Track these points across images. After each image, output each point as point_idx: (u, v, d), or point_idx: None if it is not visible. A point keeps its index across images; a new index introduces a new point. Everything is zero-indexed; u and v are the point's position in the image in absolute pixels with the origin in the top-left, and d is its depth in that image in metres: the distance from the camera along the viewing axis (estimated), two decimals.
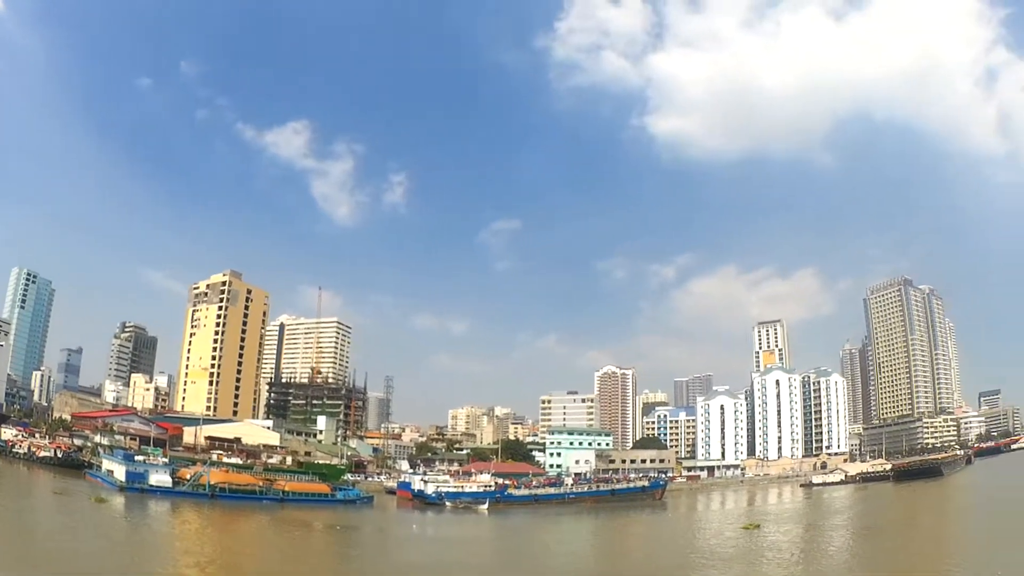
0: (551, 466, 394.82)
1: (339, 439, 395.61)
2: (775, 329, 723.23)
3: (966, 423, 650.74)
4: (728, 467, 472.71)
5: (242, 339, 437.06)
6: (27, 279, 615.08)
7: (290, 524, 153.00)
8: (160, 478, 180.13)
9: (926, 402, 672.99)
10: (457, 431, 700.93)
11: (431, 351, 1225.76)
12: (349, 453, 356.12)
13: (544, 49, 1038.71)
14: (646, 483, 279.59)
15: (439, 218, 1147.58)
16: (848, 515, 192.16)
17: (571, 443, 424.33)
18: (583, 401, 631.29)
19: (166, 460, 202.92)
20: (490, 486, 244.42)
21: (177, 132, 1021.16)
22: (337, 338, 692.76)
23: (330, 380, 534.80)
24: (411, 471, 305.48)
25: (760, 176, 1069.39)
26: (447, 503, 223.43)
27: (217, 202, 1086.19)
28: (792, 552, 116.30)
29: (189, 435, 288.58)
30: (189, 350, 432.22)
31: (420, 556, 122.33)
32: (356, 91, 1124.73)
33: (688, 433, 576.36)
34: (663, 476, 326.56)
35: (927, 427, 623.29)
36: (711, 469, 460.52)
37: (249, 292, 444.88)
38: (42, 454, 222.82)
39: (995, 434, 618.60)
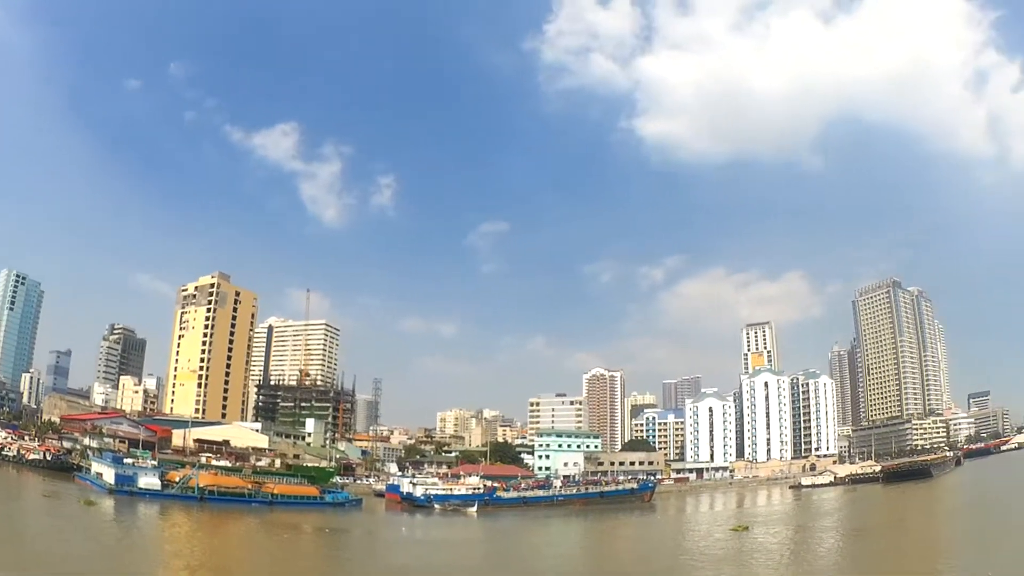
0: (540, 468, 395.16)
1: (328, 442, 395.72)
2: (764, 331, 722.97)
3: (955, 425, 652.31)
4: (717, 469, 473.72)
5: (230, 341, 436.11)
6: (16, 281, 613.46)
7: (279, 527, 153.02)
8: (149, 481, 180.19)
9: (915, 404, 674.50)
10: (445, 433, 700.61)
11: (419, 353, 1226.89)
12: (338, 456, 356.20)
13: (532, 51, 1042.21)
14: (635, 485, 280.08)
15: (427, 221, 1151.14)
16: (837, 517, 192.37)
17: (560, 445, 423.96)
18: (571, 403, 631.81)
19: (155, 463, 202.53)
20: (479, 488, 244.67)
21: (165, 133, 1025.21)
22: (325, 340, 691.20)
23: (318, 383, 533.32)
24: (400, 474, 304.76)
25: (749, 178, 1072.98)
26: (436, 506, 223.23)
27: (205, 204, 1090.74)
28: (782, 554, 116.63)
29: (178, 438, 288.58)
30: (177, 352, 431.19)
31: (409, 559, 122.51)
32: (344, 93, 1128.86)
33: (677, 435, 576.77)
34: (652, 478, 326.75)
35: (916, 429, 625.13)
36: (700, 471, 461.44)
37: (237, 294, 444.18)
38: (31, 457, 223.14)
39: (985, 435, 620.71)
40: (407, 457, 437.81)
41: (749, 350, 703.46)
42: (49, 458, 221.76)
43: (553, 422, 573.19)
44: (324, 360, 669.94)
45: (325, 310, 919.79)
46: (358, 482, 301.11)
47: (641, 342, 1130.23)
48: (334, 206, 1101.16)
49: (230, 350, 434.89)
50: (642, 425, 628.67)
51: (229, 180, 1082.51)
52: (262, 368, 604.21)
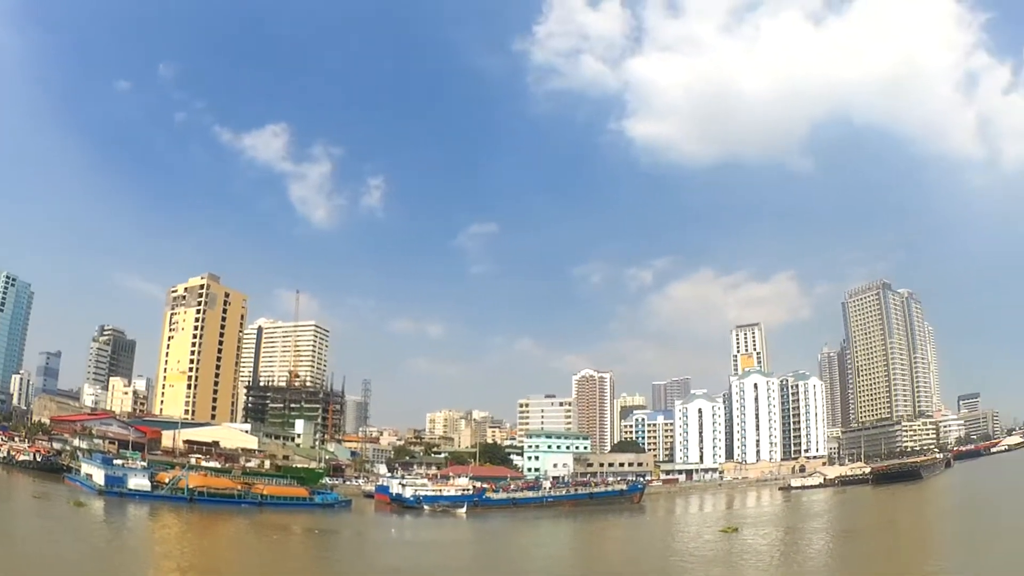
0: (529, 470, 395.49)
1: (317, 443, 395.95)
2: (753, 333, 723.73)
3: (945, 426, 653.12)
4: (706, 471, 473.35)
5: (220, 342, 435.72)
6: (6, 281, 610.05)
7: (268, 528, 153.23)
8: (139, 482, 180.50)
9: (905, 405, 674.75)
10: (435, 435, 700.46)
11: (409, 354, 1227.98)
12: (327, 457, 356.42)
13: (522, 53, 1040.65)
14: (624, 487, 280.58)
15: (416, 222, 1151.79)
16: (827, 518, 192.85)
17: (549, 447, 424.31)
18: (561, 405, 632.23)
19: (144, 464, 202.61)
20: (468, 490, 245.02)
21: (155, 134, 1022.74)
22: (315, 342, 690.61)
23: (308, 384, 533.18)
24: (389, 475, 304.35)
25: (738, 180, 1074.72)
26: (425, 507, 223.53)
27: (195, 205, 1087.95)
28: (771, 555, 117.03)
29: (167, 439, 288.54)
30: (167, 353, 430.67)
31: (398, 560, 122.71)
32: (334, 94, 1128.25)
33: (666, 437, 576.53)
34: (641, 480, 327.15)
35: (906, 430, 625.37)
36: (689, 473, 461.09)
37: (227, 295, 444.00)
38: (21, 458, 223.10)
39: (975, 437, 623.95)
40: (396, 458, 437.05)
41: (738, 351, 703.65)
42: (39, 459, 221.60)
43: (542, 423, 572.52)
44: (313, 361, 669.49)
45: (314, 311, 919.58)
46: (347, 483, 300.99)
47: (630, 343, 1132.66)
48: (324, 207, 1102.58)
49: (219, 351, 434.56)
50: (631, 426, 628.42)
51: (219, 181, 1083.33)
52: (251, 369, 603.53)
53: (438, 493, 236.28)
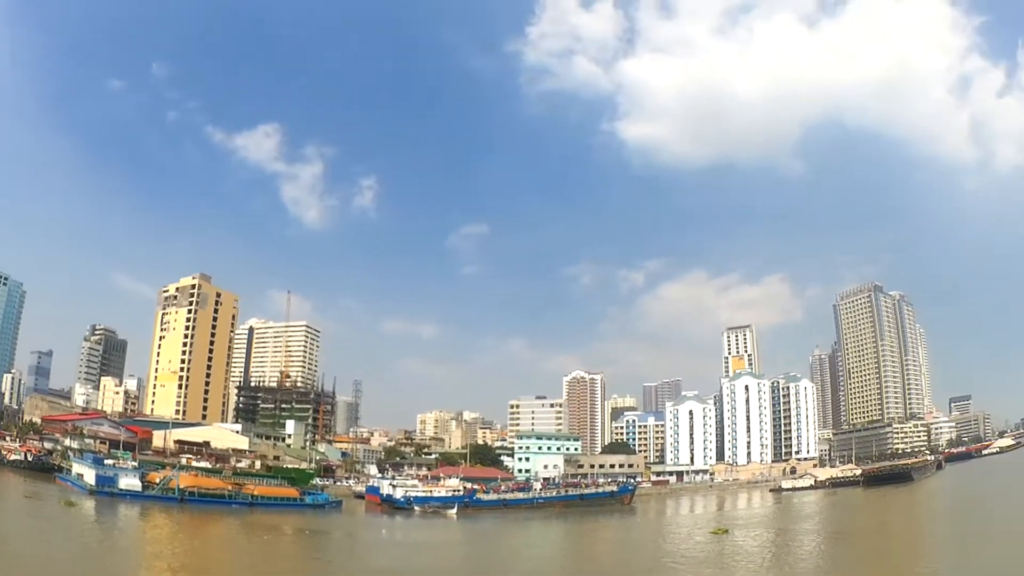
0: (520, 471, 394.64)
1: (308, 443, 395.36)
2: (744, 334, 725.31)
3: (936, 429, 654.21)
4: (697, 472, 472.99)
5: (211, 343, 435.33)
6: None
7: (259, 528, 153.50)
8: (130, 482, 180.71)
9: (896, 408, 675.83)
10: (426, 435, 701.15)
11: (400, 355, 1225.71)
12: (318, 457, 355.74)
13: (515, 54, 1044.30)
14: (615, 488, 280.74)
15: (408, 222, 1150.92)
16: (818, 520, 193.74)
17: (540, 448, 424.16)
18: (552, 406, 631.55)
19: (135, 464, 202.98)
20: (459, 491, 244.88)
21: (148, 134, 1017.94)
22: (306, 342, 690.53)
23: (299, 384, 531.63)
24: (380, 475, 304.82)
25: (730, 182, 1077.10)
26: (416, 507, 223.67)
27: (187, 205, 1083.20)
28: (762, 556, 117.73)
29: (158, 439, 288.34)
30: (158, 353, 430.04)
31: (389, 561, 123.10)
32: (327, 95, 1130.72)
33: (657, 438, 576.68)
34: (632, 481, 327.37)
35: (897, 432, 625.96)
36: (680, 474, 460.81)
37: (218, 296, 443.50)
38: (12, 457, 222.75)
39: (966, 439, 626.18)
40: (387, 459, 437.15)
41: (730, 353, 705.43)
42: (30, 459, 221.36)
43: (533, 424, 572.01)
44: (304, 362, 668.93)
45: (306, 312, 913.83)
46: (338, 484, 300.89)
47: (622, 345, 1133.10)
48: (316, 207, 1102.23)
49: (211, 351, 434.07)
50: (622, 428, 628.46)
51: (211, 181, 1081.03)
52: (242, 369, 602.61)
53: (429, 494, 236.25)
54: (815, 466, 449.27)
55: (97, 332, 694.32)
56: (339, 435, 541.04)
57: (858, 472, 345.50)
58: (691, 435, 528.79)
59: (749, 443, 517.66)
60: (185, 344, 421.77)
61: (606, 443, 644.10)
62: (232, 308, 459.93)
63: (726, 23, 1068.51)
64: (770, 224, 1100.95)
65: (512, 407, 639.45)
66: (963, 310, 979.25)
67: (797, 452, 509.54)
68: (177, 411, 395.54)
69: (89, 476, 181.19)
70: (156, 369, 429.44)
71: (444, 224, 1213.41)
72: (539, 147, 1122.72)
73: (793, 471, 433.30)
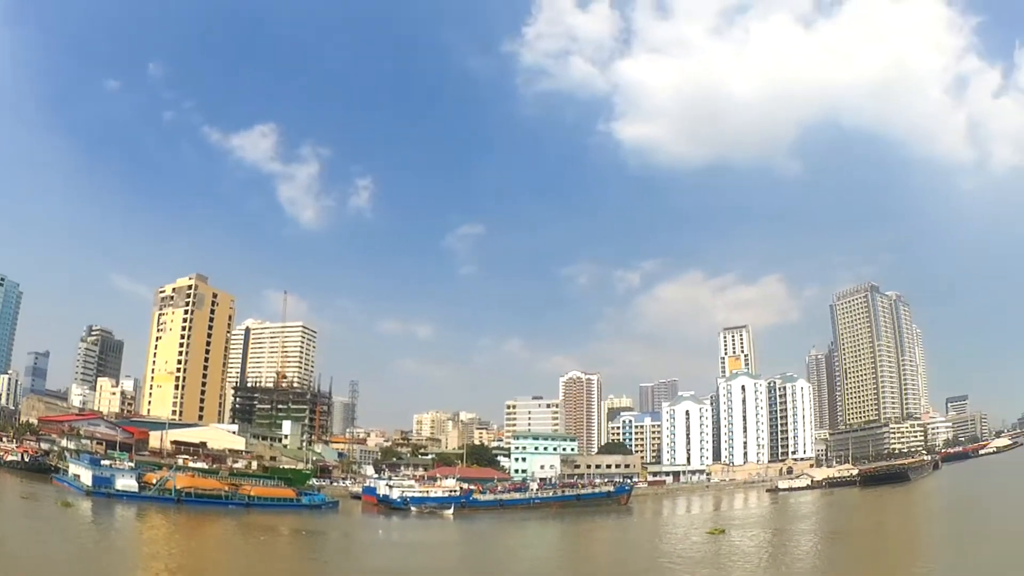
0: (516, 471, 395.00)
1: (304, 444, 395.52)
2: (741, 335, 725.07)
3: (933, 429, 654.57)
4: (694, 472, 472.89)
5: (208, 343, 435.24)
6: None
7: (256, 529, 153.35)
8: (126, 482, 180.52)
9: (893, 408, 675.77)
10: (422, 436, 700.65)
11: (396, 356, 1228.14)
12: (314, 458, 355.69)
13: (511, 54, 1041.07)
14: (611, 488, 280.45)
15: (404, 223, 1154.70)
16: (815, 520, 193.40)
17: (536, 448, 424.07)
18: (548, 406, 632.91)
19: (132, 464, 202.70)
20: (455, 491, 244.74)
21: (144, 134, 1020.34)
22: (302, 342, 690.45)
23: (295, 385, 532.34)
24: (376, 476, 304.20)
25: (727, 182, 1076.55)
26: (412, 508, 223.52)
27: (183, 205, 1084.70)
28: (759, 557, 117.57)
29: (155, 439, 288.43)
30: (155, 354, 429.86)
31: (386, 561, 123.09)
32: (323, 95, 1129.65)
33: (653, 438, 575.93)
34: (628, 481, 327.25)
35: (894, 433, 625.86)
36: (676, 474, 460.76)
37: (215, 296, 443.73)
38: (9, 458, 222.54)
39: (963, 439, 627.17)
40: (384, 459, 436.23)
41: (726, 354, 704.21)
42: (27, 459, 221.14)
43: (530, 425, 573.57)
44: (301, 362, 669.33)
45: (302, 312, 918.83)
46: (335, 484, 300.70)
47: (618, 345, 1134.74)
48: (312, 208, 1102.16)
49: (207, 352, 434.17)
50: (619, 428, 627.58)
51: (207, 181, 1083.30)
52: (239, 370, 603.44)
53: (425, 494, 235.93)
54: (812, 466, 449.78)
55: (94, 333, 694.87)
56: (335, 436, 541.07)
57: (855, 472, 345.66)
58: (687, 435, 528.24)
59: (746, 443, 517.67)
60: (182, 345, 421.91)
61: (602, 443, 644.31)
62: (228, 308, 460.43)
63: (722, 23, 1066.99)
64: (767, 224, 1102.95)
65: (508, 407, 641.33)
66: (960, 310, 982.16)
67: (794, 452, 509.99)
68: (174, 412, 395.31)
69: (86, 477, 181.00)
70: (152, 370, 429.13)
71: (440, 224, 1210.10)
72: (535, 148, 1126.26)
73: (790, 471, 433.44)
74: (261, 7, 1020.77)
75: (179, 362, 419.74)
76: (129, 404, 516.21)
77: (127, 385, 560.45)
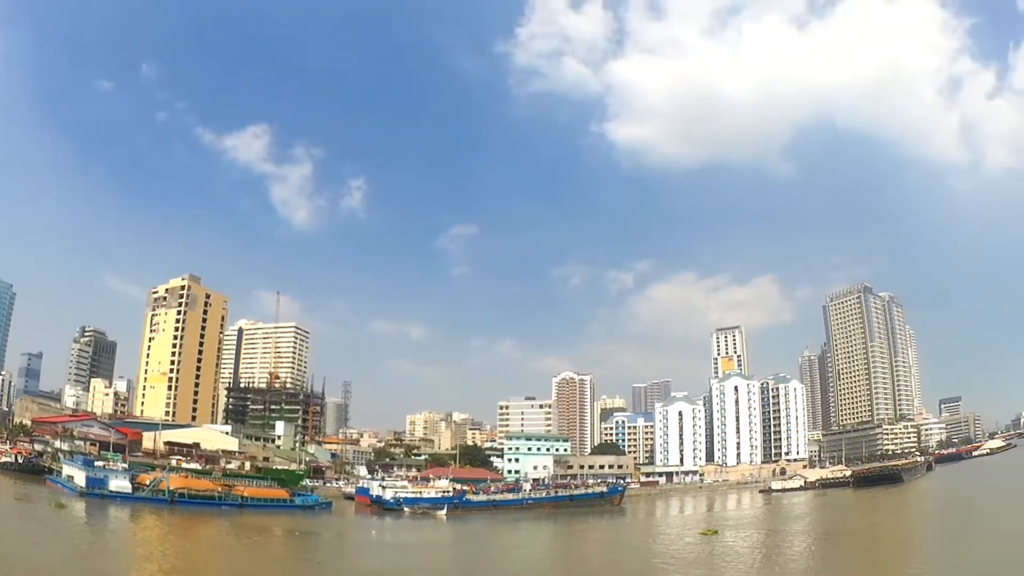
0: (509, 472, 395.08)
1: (297, 444, 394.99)
2: (734, 335, 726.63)
3: (927, 430, 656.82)
4: (687, 473, 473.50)
5: (200, 344, 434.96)
6: None
7: (249, 530, 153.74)
8: (120, 483, 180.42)
9: (886, 409, 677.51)
10: (415, 436, 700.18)
11: (389, 356, 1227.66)
12: (307, 458, 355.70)
13: (504, 55, 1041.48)
14: (604, 489, 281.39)
15: (397, 223, 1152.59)
16: (808, 521, 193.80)
17: (529, 449, 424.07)
18: (541, 407, 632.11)
19: (125, 466, 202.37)
20: (448, 492, 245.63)
21: (137, 135, 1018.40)
22: (295, 343, 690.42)
23: (288, 385, 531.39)
24: (369, 477, 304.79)
25: (720, 183, 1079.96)
26: (405, 509, 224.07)
27: (176, 206, 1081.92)
28: (752, 558, 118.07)
29: (148, 440, 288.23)
30: (148, 355, 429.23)
31: (379, 562, 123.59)
32: (316, 95, 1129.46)
33: (646, 439, 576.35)
34: (621, 482, 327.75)
35: (887, 434, 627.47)
36: (669, 475, 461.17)
37: (208, 297, 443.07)
38: (3, 459, 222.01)
39: (956, 441, 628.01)
40: (377, 460, 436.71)
41: (719, 354, 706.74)
42: (20, 461, 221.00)
43: (522, 425, 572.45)
44: (294, 363, 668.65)
45: (295, 313, 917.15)
46: (327, 485, 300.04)
47: (611, 346, 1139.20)
48: (305, 208, 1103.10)
49: (200, 352, 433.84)
50: (611, 429, 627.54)
51: (200, 182, 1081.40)
52: (232, 371, 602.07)
53: (418, 495, 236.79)
54: (805, 467, 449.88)
55: (87, 333, 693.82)
56: (328, 436, 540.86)
57: (848, 473, 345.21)
58: (680, 436, 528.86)
59: (739, 444, 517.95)
60: (175, 345, 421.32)
61: (595, 444, 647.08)
62: (221, 309, 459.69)
63: (715, 25, 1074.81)
64: (760, 225, 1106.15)
65: (501, 408, 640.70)
66: (953, 311, 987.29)
67: (787, 453, 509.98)
68: (167, 412, 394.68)
69: (79, 478, 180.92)
70: (146, 370, 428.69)
71: (433, 225, 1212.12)
72: (528, 148, 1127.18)
73: (783, 472, 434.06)
74: (254, 8, 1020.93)
75: (172, 363, 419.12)
76: (122, 405, 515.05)
77: (120, 386, 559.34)
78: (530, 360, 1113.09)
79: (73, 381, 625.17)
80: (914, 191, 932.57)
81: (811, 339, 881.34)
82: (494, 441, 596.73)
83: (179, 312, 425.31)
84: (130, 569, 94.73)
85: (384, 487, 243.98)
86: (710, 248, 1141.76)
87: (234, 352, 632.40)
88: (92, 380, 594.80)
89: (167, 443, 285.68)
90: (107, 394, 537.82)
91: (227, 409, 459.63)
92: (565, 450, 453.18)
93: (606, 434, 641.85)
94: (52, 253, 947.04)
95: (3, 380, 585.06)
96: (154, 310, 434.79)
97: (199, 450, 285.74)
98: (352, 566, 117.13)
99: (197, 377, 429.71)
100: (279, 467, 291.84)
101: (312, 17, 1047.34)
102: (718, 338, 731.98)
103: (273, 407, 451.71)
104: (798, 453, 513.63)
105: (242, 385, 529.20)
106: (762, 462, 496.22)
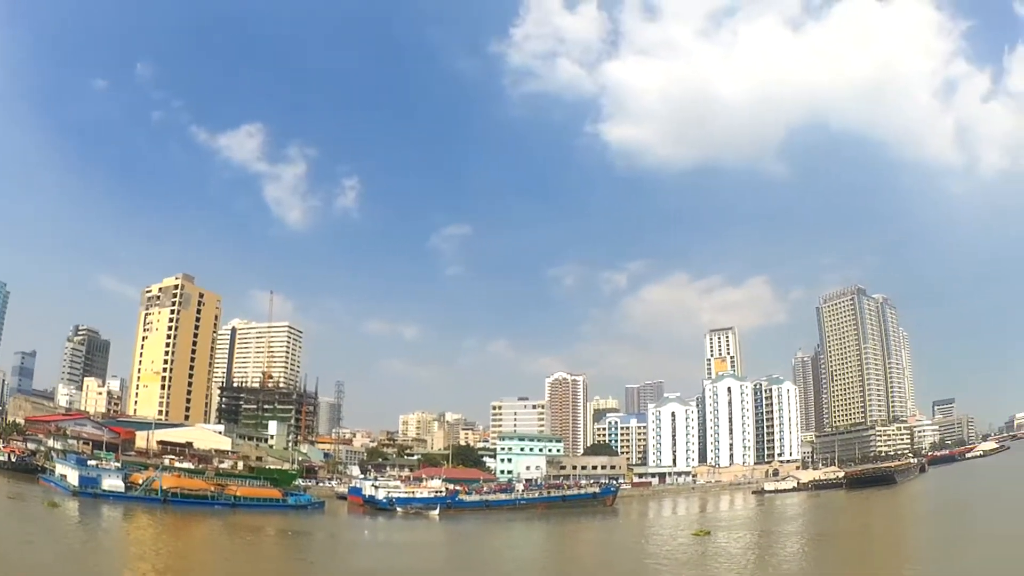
0: (502, 472, 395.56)
1: (290, 444, 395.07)
2: (727, 336, 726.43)
3: (920, 431, 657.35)
4: (679, 474, 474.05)
5: (194, 343, 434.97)
6: None
7: (242, 529, 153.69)
8: (113, 483, 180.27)
9: (879, 410, 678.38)
10: (408, 436, 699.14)
11: (382, 356, 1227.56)
12: (300, 458, 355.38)
13: (499, 55, 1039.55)
14: (597, 489, 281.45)
15: (391, 223, 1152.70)
16: (801, 522, 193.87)
17: (522, 449, 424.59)
18: (534, 407, 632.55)
19: (118, 465, 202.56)
20: (441, 492, 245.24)
21: (132, 134, 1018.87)
22: (288, 343, 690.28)
23: (281, 385, 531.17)
24: (362, 476, 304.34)
25: (714, 184, 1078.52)
26: (398, 509, 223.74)
27: (170, 205, 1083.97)
28: (746, 559, 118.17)
29: (141, 439, 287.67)
30: (141, 354, 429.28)
31: (371, 562, 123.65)
32: (309, 95, 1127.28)
33: (639, 440, 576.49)
34: (614, 483, 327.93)
35: (880, 435, 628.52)
36: (662, 476, 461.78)
37: (201, 296, 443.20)
38: None
39: (949, 443, 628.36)
40: (369, 460, 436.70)
41: (712, 355, 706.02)
42: (14, 460, 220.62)
43: (515, 426, 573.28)
44: (287, 362, 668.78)
45: (288, 312, 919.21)
46: (320, 485, 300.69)
47: (604, 346, 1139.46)
48: (298, 208, 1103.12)
49: (193, 352, 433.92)
50: (604, 429, 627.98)
51: (194, 181, 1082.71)
52: (225, 370, 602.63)
53: (411, 495, 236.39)
54: (798, 468, 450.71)
55: (80, 332, 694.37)
56: (321, 436, 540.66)
57: (841, 474, 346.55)
58: (673, 437, 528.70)
59: (732, 445, 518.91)
60: (168, 344, 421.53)
61: (588, 445, 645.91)
62: (215, 308, 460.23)
63: (710, 26, 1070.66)
64: (753, 226, 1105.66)
65: (494, 408, 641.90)
66: (947, 313, 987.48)
67: (780, 454, 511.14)
68: (160, 412, 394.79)
69: (72, 477, 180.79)
70: (139, 369, 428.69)
71: (427, 225, 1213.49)
72: (522, 149, 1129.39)
73: (776, 473, 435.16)
74: (248, 7, 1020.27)
75: (165, 362, 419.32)
76: (115, 404, 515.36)
77: (113, 385, 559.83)
78: (523, 360, 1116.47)
79: (66, 380, 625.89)
80: (908, 193, 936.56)
81: (804, 340, 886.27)
82: (487, 441, 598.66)
83: (172, 311, 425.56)
84: (123, 568, 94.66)
85: (377, 487, 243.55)
86: (704, 249, 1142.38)
87: (227, 351, 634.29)
88: (85, 379, 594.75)
89: (160, 442, 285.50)
90: (100, 393, 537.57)
91: (220, 408, 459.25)
92: (558, 450, 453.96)
93: (599, 435, 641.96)
94: (46, 252, 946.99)
95: None
96: (147, 309, 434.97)
97: (192, 449, 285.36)
98: (345, 566, 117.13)
99: (190, 376, 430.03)
100: (272, 467, 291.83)
101: (306, 17, 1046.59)
102: (711, 339, 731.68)
103: (266, 407, 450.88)
104: (791, 454, 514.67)
105: (235, 384, 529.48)
106: (755, 463, 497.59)
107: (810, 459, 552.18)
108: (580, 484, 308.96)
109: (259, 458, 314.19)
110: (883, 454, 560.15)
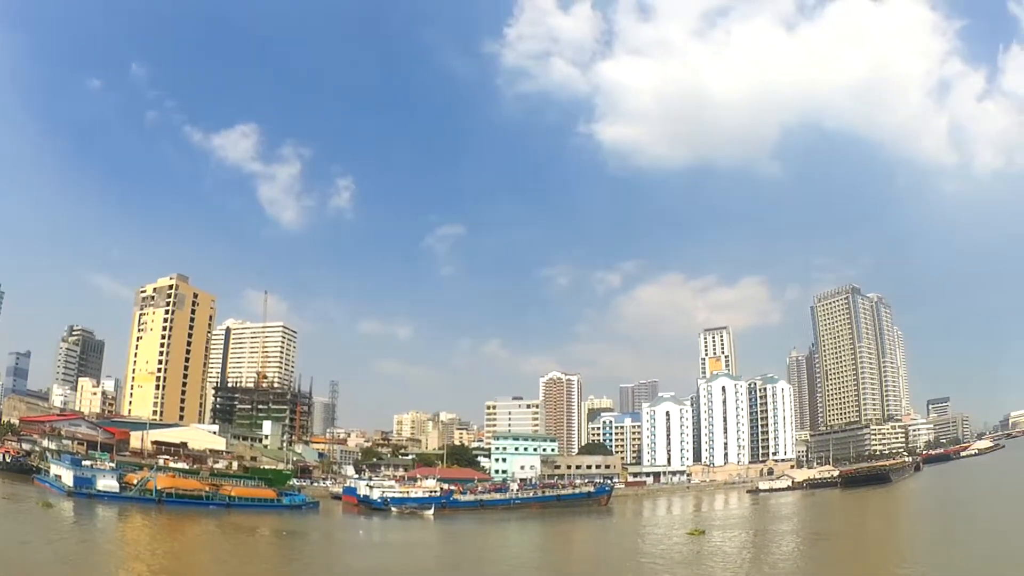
0: (496, 472, 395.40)
1: (285, 444, 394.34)
2: (721, 336, 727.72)
3: (914, 430, 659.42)
4: (674, 473, 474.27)
5: (188, 343, 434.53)
6: None
7: (237, 529, 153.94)
8: (107, 483, 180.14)
9: (874, 409, 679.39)
10: (402, 436, 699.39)
11: (376, 356, 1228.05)
12: (295, 458, 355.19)
13: (492, 55, 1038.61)
14: (591, 489, 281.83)
15: (385, 223, 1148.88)
16: (796, 521, 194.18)
17: (516, 449, 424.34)
18: (528, 407, 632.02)
19: (113, 465, 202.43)
20: (435, 491, 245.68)
21: (126, 134, 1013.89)
22: (283, 343, 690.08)
23: (276, 385, 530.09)
24: (357, 476, 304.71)
25: (707, 184, 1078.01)
26: (393, 508, 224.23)
27: (165, 205, 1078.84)
28: (741, 557, 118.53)
29: (136, 440, 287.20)
30: (136, 354, 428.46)
31: (366, 561, 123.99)
32: (303, 95, 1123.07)
33: (634, 439, 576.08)
34: (608, 482, 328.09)
35: (875, 434, 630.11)
36: (657, 475, 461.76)
37: (195, 296, 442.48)
38: None
39: (944, 441, 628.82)
40: (364, 460, 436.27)
41: (707, 355, 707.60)
42: (8, 460, 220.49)
43: (510, 425, 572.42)
44: (281, 362, 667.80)
45: (283, 312, 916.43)
46: (315, 484, 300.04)
47: (598, 346, 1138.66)
48: (293, 208, 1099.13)
49: (188, 352, 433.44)
50: (599, 429, 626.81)
51: (188, 181, 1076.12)
52: (219, 370, 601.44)
53: (405, 495, 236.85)
54: (792, 467, 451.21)
55: (75, 333, 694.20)
56: (316, 436, 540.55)
57: (836, 473, 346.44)
58: (668, 436, 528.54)
59: (726, 444, 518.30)
60: (162, 345, 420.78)
61: (583, 444, 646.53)
62: (209, 308, 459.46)
63: (704, 26, 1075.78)
64: (748, 226, 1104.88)
65: (489, 408, 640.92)
66: (942, 312, 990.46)
67: (774, 453, 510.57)
68: (154, 412, 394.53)
69: (67, 477, 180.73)
70: (133, 370, 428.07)
71: (421, 225, 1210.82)
72: (516, 149, 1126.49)
73: (770, 472, 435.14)
74: (243, 7, 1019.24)
75: (160, 362, 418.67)
76: (110, 404, 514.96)
77: (108, 385, 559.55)
78: (517, 360, 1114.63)
79: (61, 380, 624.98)
80: (903, 192, 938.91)
81: (799, 340, 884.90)
82: (481, 441, 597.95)
83: (167, 311, 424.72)
84: (119, 569, 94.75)
85: (371, 487, 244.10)
86: (698, 249, 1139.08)
87: (222, 351, 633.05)
88: (80, 379, 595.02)
89: (155, 443, 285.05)
90: (95, 393, 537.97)
91: (214, 409, 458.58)
92: (552, 450, 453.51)
93: (593, 434, 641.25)
94: (40, 252, 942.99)
95: None
96: (142, 309, 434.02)
97: (187, 450, 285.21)
98: (339, 566, 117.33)
99: (185, 376, 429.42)
100: (266, 467, 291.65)
101: (300, 17, 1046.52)
102: (706, 339, 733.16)
103: (260, 407, 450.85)
104: (786, 453, 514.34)
105: (230, 385, 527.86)
106: (749, 462, 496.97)
107: (805, 458, 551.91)
108: (575, 484, 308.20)
109: (254, 458, 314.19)
110: (878, 453, 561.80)
